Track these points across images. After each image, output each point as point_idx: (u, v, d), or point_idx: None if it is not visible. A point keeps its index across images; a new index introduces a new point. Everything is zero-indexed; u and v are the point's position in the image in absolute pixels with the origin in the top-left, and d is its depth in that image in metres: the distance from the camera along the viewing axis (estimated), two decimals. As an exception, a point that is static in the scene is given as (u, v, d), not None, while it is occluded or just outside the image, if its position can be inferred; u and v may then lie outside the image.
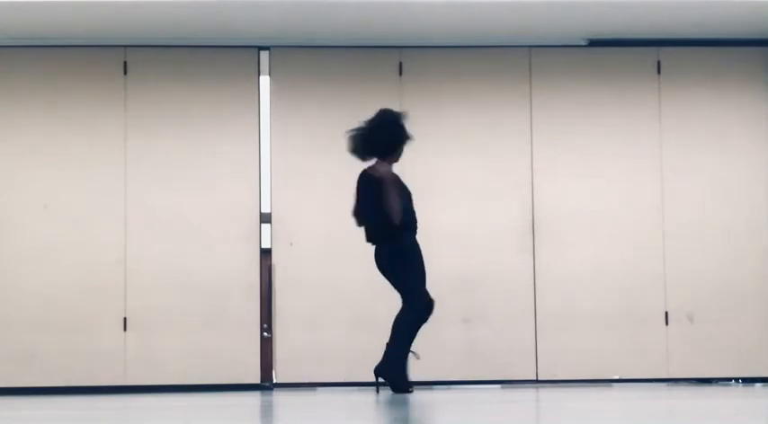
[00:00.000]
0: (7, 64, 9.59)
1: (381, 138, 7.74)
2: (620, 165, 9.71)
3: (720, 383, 9.54)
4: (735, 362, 9.61)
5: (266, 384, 9.49)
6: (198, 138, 9.59)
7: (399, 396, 7.31)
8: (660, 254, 9.65)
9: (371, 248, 7.86)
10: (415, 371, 7.97)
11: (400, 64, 9.71)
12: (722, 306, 9.63)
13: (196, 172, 9.56)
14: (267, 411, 6.09)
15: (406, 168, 8.12)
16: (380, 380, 7.73)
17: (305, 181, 9.59)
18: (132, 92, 9.61)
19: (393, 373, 7.66)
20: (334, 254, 9.45)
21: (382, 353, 7.74)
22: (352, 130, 7.76)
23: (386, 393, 7.75)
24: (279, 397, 7.86)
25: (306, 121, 9.64)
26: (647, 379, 9.52)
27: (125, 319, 9.44)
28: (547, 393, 7.61)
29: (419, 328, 7.76)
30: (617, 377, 9.54)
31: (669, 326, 9.62)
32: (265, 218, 9.58)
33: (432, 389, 8.77)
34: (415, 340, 7.76)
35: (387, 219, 7.67)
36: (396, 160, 7.82)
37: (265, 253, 9.59)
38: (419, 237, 7.86)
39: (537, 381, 9.52)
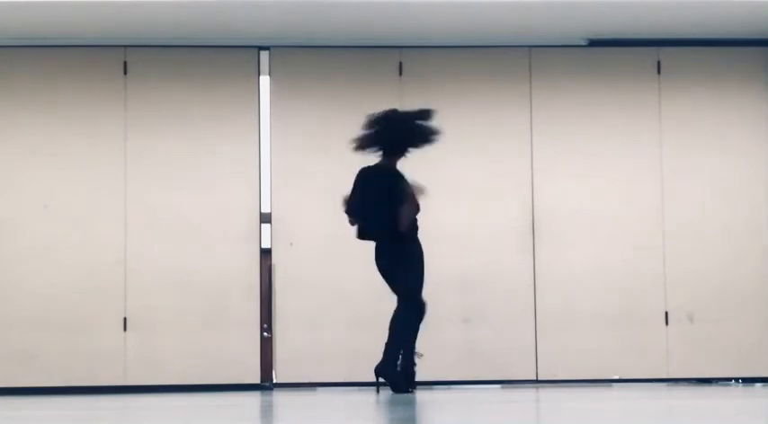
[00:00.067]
0: (7, 64, 9.59)
1: (391, 136, 7.80)
2: (620, 165, 9.71)
3: (720, 383, 9.54)
4: (735, 362, 9.61)
5: (266, 384, 9.49)
6: (198, 138, 9.59)
7: (399, 396, 7.31)
8: (660, 254, 9.65)
9: (371, 248, 7.87)
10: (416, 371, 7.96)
11: (400, 64, 9.71)
12: (722, 306, 9.63)
13: (196, 172, 9.56)
14: (267, 411, 6.09)
15: (406, 168, 8.12)
16: (381, 380, 7.73)
17: (305, 180, 9.59)
18: (132, 92, 9.61)
19: (393, 373, 7.66)
20: (334, 254, 9.45)
21: (382, 353, 7.74)
22: (370, 127, 7.82)
23: (386, 392, 7.75)
24: (279, 397, 7.86)
25: (306, 121, 9.64)
26: (647, 379, 9.52)
27: (125, 319, 9.44)
28: (547, 393, 7.61)
29: (418, 328, 7.77)
30: (617, 377, 9.53)
31: (669, 326, 9.62)
32: (265, 218, 9.58)
33: (432, 389, 8.77)
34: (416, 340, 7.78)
35: (395, 220, 7.69)
36: (398, 159, 7.89)
37: (265, 253, 9.59)
38: (419, 237, 7.88)
39: (537, 381, 9.52)
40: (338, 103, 9.64)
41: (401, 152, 7.90)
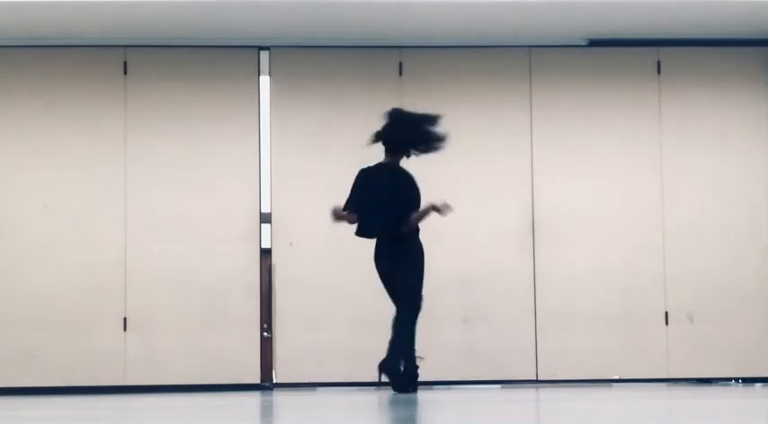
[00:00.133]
0: (7, 64, 9.59)
1: (397, 134, 7.83)
2: (620, 165, 9.71)
3: (720, 383, 9.54)
4: (735, 362, 9.61)
5: (266, 384, 9.49)
6: (198, 138, 9.59)
7: (400, 395, 7.31)
8: (660, 254, 9.65)
9: (371, 248, 7.86)
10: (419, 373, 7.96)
11: (400, 64, 9.71)
12: (722, 306, 9.63)
13: (196, 172, 9.56)
14: (267, 411, 6.09)
15: (406, 168, 8.11)
16: (383, 376, 7.71)
17: (305, 180, 9.59)
18: (132, 92, 9.61)
19: (397, 370, 7.65)
20: (334, 254, 9.45)
21: (385, 351, 7.73)
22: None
23: (387, 392, 7.74)
24: (279, 397, 7.86)
25: (306, 121, 9.64)
26: (647, 379, 9.52)
27: (125, 319, 9.44)
28: (547, 393, 7.61)
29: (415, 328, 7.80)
30: (617, 377, 9.53)
31: (669, 326, 9.62)
32: (265, 218, 9.58)
33: (432, 389, 8.77)
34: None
35: (398, 219, 7.71)
36: (400, 157, 7.92)
37: (265, 253, 9.59)
38: (420, 237, 7.89)
39: (537, 381, 9.52)
40: (338, 103, 9.64)
41: (404, 150, 7.90)
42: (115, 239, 9.47)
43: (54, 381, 9.33)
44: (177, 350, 9.42)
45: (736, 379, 9.61)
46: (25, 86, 9.58)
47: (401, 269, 7.77)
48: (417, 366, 7.74)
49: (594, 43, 9.73)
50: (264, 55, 9.70)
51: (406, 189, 7.82)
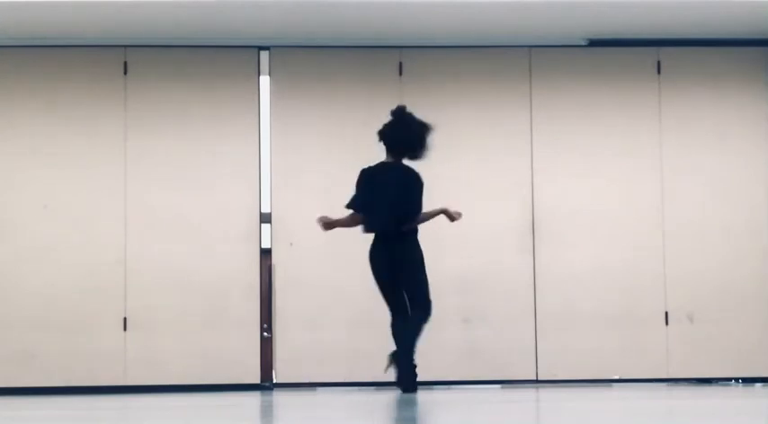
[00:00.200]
0: (7, 64, 9.59)
1: (404, 134, 7.85)
2: (620, 165, 9.71)
3: (720, 383, 9.54)
4: (735, 362, 9.61)
5: (266, 384, 9.49)
6: (198, 138, 9.59)
7: (402, 396, 7.30)
8: (660, 254, 9.65)
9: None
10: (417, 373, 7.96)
11: (400, 64, 9.71)
12: (722, 306, 9.63)
13: (196, 172, 9.56)
14: (267, 411, 6.09)
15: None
16: (392, 365, 7.72)
17: (305, 181, 9.59)
18: (132, 92, 9.61)
19: (410, 366, 7.65)
20: (334, 254, 9.45)
21: (385, 351, 7.73)
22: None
23: (387, 393, 7.74)
24: (279, 397, 7.86)
25: (306, 121, 9.64)
26: (647, 379, 9.52)
27: (125, 319, 9.43)
28: (547, 393, 7.61)
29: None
30: (617, 377, 9.53)
31: (669, 326, 9.62)
32: (265, 218, 9.58)
33: (432, 389, 8.77)
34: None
35: (402, 217, 7.72)
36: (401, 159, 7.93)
37: (265, 253, 9.59)
38: (419, 237, 7.90)
39: (537, 381, 9.52)
40: (338, 103, 9.64)
41: (406, 151, 7.88)
42: (115, 239, 9.47)
43: (54, 381, 9.33)
44: (177, 350, 9.42)
45: (736, 379, 9.61)
46: (25, 86, 9.58)
47: (406, 272, 7.78)
48: (415, 365, 7.75)
49: (594, 43, 9.73)
50: (264, 55, 9.70)
51: (414, 187, 7.82)
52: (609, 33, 9.63)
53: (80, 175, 9.52)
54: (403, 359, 7.66)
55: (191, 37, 9.53)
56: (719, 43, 9.77)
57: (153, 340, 9.42)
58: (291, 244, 9.54)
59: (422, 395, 7.35)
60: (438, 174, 9.32)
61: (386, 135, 7.86)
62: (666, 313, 9.62)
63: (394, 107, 7.97)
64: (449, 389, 9.06)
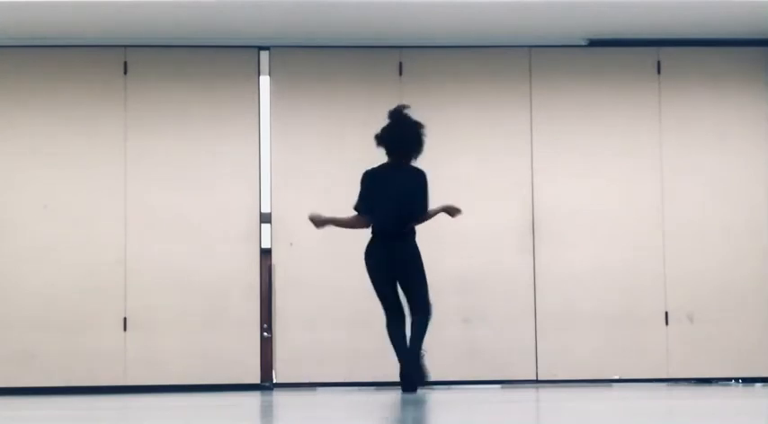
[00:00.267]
0: (7, 64, 9.59)
1: (406, 135, 7.86)
2: (620, 165, 9.71)
3: (720, 383, 9.54)
4: (735, 362, 9.61)
5: (266, 384, 9.49)
6: (198, 138, 9.59)
7: (402, 396, 7.31)
8: (660, 254, 9.65)
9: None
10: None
11: (400, 64, 9.71)
12: (722, 306, 9.63)
13: (196, 172, 9.56)
14: (267, 411, 6.09)
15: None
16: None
17: (305, 180, 9.59)
18: (132, 92, 9.61)
19: (419, 365, 7.69)
20: (334, 254, 9.45)
21: (385, 353, 7.74)
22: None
23: (387, 393, 7.74)
24: (279, 397, 7.86)
25: (306, 121, 9.64)
26: (647, 379, 9.52)
27: (125, 319, 9.44)
28: (547, 393, 7.61)
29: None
30: (617, 377, 9.53)
31: (669, 326, 9.62)
32: (265, 218, 9.58)
33: (432, 389, 8.77)
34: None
35: (406, 216, 7.72)
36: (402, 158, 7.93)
37: (265, 253, 9.59)
38: (419, 237, 7.90)
39: (537, 381, 9.52)
40: (338, 103, 9.64)
41: (406, 153, 7.89)
42: (115, 239, 9.47)
43: (54, 381, 9.33)
44: (177, 350, 9.42)
45: (736, 379, 9.61)
46: (25, 86, 9.58)
47: (405, 273, 7.79)
48: (423, 365, 7.78)
49: (594, 43, 9.73)
50: (264, 55, 9.70)
51: (420, 187, 7.83)
52: (609, 33, 9.63)
53: (80, 175, 9.52)
54: (406, 361, 7.66)
55: (191, 37, 9.53)
56: (719, 43, 9.78)
57: (153, 340, 9.42)
58: (291, 244, 9.54)
59: (422, 395, 7.35)
60: (438, 174, 9.31)
61: (384, 138, 7.85)
62: (666, 314, 9.62)
63: (392, 107, 7.97)
64: (449, 389, 9.06)
